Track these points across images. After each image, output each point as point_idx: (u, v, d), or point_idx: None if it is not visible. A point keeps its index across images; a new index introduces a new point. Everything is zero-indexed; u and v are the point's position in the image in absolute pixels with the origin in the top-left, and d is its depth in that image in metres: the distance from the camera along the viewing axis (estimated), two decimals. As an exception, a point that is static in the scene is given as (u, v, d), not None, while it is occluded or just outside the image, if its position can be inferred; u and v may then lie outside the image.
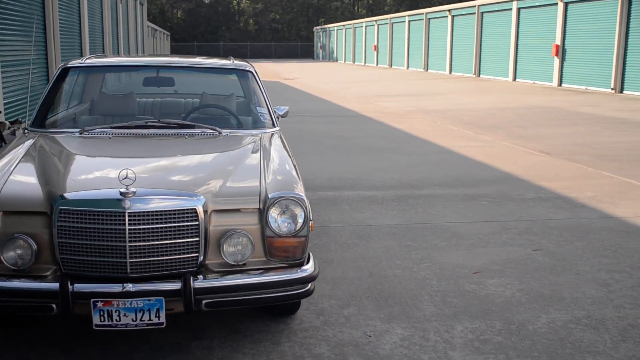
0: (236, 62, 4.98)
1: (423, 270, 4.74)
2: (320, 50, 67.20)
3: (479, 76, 31.69)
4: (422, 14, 38.74)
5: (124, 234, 2.99)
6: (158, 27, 50.94)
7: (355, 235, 5.55)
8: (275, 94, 20.87)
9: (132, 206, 2.98)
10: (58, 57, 14.21)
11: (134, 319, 3.03)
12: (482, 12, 31.21)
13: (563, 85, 24.33)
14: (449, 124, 13.68)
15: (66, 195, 3.05)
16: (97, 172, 3.53)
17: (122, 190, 3.02)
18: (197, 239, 3.11)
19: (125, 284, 3.00)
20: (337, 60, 59.82)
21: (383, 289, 4.36)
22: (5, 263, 3.03)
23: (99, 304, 2.98)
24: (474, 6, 31.54)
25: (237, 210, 3.23)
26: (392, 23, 44.72)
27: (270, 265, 3.28)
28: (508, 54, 28.42)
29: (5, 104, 10.77)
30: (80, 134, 4.14)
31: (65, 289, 2.93)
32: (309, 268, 3.30)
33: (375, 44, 48.01)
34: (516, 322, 3.88)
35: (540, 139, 11.52)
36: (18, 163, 3.50)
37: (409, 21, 41.27)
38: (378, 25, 47.72)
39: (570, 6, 23.91)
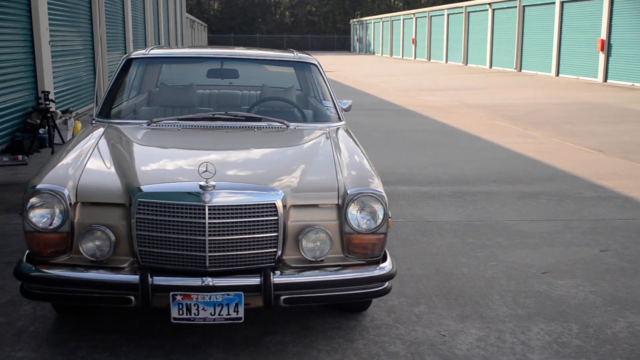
0: (299, 54, 4.91)
1: (490, 269, 4.62)
2: (357, 43, 66.88)
3: (520, 71, 31.16)
4: (462, 7, 38.20)
5: (204, 227, 2.94)
6: (196, 19, 51.22)
7: (416, 232, 5.45)
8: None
9: (212, 200, 2.94)
10: (104, 48, 14.33)
11: (213, 313, 2.99)
12: (524, 6, 30.64)
13: (608, 81, 23.76)
14: (496, 119, 13.44)
15: (145, 187, 3.02)
16: (174, 164, 3.49)
17: (202, 183, 2.97)
18: (275, 234, 3.05)
19: (204, 278, 2.96)
20: (374, 53, 59.48)
21: (452, 287, 4.26)
22: (84, 254, 3.01)
23: (178, 297, 2.95)
24: (515, 0, 30.99)
25: (315, 206, 3.16)
26: (431, 16, 44.23)
27: (347, 262, 3.21)
28: (551, 48, 27.87)
29: (55, 93, 10.89)
30: (148, 125, 4.11)
31: (146, 281, 2.91)
32: (387, 266, 3.23)
33: (414, 37, 47.56)
34: (593, 325, 3.75)
35: (592, 136, 11.24)
36: (91, 154, 3.48)
37: (448, 14, 40.76)
38: (416, 18, 47.26)
39: (616, 0, 23.32)
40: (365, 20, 63.13)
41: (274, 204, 3.03)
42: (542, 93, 19.93)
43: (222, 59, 4.89)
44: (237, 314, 3.01)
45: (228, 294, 2.97)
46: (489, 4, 34.09)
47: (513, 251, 5.03)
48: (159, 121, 4.12)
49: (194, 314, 2.98)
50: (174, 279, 2.96)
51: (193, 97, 4.85)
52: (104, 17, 14.23)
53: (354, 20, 69.04)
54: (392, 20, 53.50)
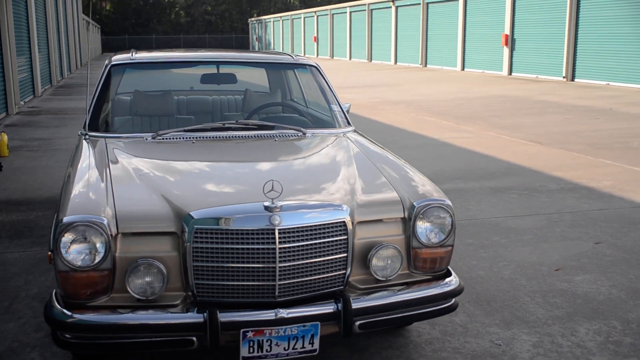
0: (297, 56, 4.61)
1: (504, 269, 4.53)
2: (257, 43, 66.36)
3: (425, 66, 31.91)
4: (365, 4, 38.68)
5: (274, 253, 2.63)
6: (91, 20, 49.04)
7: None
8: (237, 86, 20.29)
9: (282, 222, 2.62)
10: (14, 53, 13.30)
11: (286, 348, 2.68)
12: (428, 3, 31.40)
13: (513, 74, 24.73)
14: (424, 115, 13.59)
15: (201, 212, 2.64)
16: (224, 183, 3.11)
17: (267, 204, 2.65)
18: (345, 254, 2.78)
19: (277, 310, 2.64)
20: (274, 52, 59.21)
21: (478, 292, 4.13)
22: (132, 293, 2.62)
23: (249, 334, 2.62)
24: (419, -4, 31.73)
25: (380, 221, 2.91)
26: (333, 14, 44.53)
27: (412, 279, 2.98)
28: (456, 44, 28.69)
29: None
30: (154, 138, 3.70)
31: (215, 319, 2.55)
32: (454, 280, 3.03)
33: (315, 35, 47.72)
34: (634, 320, 3.72)
35: (522, 128, 11.54)
36: (111, 176, 3.04)
37: (351, 12, 41.18)
38: (318, 16, 47.44)
39: (518, -4, 24.33)
40: (265, 19, 62.76)
41: (344, 221, 2.76)
42: (455, 87, 20.42)
43: (218, 63, 4.52)
44: (312, 346, 2.72)
45: (304, 326, 2.67)
46: (392, 0, 34.68)
47: (515, 249, 4.97)
48: (164, 134, 3.72)
49: (266, 350, 2.66)
50: (244, 314, 2.62)
51: (194, 106, 4.52)
52: (12, 20, 13.20)
53: (253, 19, 68.47)
54: (293, 19, 53.46)
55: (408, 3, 33.26)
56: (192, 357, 3.21)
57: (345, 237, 2.76)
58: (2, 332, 3.53)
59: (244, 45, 69.77)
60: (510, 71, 24.83)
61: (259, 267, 2.63)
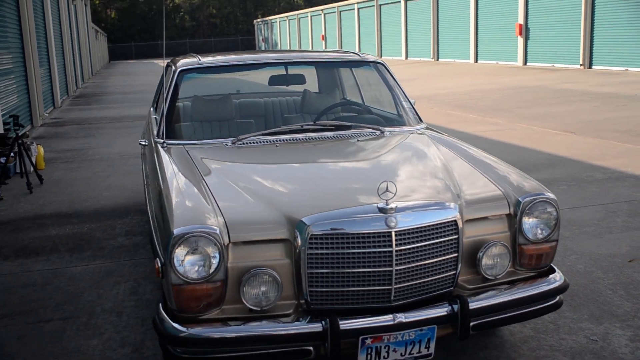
0: (364, 54, 4.56)
1: (577, 262, 4.47)
2: (263, 43, 66.34)
3: (437, 60, 31.79)
4: (373, 0, 38.58)
5: (391, 256, 2.58)
6: (99, 29, 49.16)
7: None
8: (245, 87, 20.26)
9: (398, 224, 2.57)
10: (37, 64, 13.30)
11: (403, 354, 2.64)
12: (437, -4, 31.29)
13: (528, 64, 24.58)
14: (447, 109, 13.51)
15: (314, 217, 2.59)
16: (330, 187, 3.04)
17: (381, 205, 2.60)
18: (456, 254, 2.74)
19: (395, 315, 2.59)
20: (281, 53, 59.12)
21: (558, 287, 4.06)
22: (247, 303, 2.57)
23: (368, 341, 2.57)
24: (428, -10, 31.60)
25: (486, 219, 2.86)
26: (341, 11, 44.43)
27: (516, 277, 2.93)
28: (468, 35, 28.55)
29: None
30: (234, 143, 3.66)
31: (336, 328, 2.50)
32: (559, 276, 2.97)
33: (323, 33, 47.65)
34: None
35: (551, 118, 11.45)
36: (208, 185, 2.99)
37: (359, 8, 41.07)
38: (325, 14, 47.36)
39: (530, -15, 24.16)
40: (270, 20, 62.71)
41: (455, 220, 2.71)
42: (471, 80, 20.31)
43: (287, 64, 4.47)
44: (428, 350, 2.67)
45: (421, 330, 2.62)
46: (401, -4, 34.56)
47: (581, 242, 4.91)
48: (244, 138, 3.68)
49: (383, 357, 2.61)
50: (363, 321, 2.57)
51: (257, 109, 4.51)
52: (34, 31, 13.20)
53: (258, 20, 68.44)
54: (299, 18, 53.39)
55: (417, -3, 33.14)
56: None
57: (457, 236, 2.71)
58: (87, 348, 3.49)
59: (250, 47, 69.76)
60: (525, 61, 24.69)
61: (375, 272, 2.59)
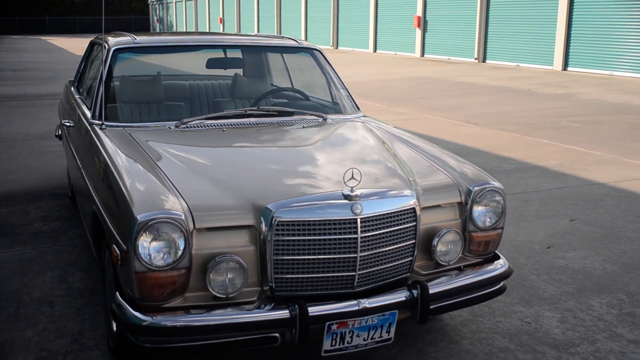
0: (300, 41, 4.55)
1: (500, 249, 4.69)
2: (158, 24, 64.44)
3: (337, 48, 32.14)
4: (273, -15, 38.43)
5: (356, 243, 2.62)
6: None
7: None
8: (146, 68, 19.66)
9: (363, 211, 2.61)
10: None
11: (365, 338, 2.69)
12: (338, -15, 31.58)
13: (425, 55, 25.37)
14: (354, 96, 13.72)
15: (281, 203, 2.58)
16: (291, 173, 3.03)
17: (345, 192, 2.63)
18: (414, 241, 2.82)
19: (360, 301, 2.64)
20: (177, 34, 57.67)
21: (487, 272, 4.26)
22: (212, 291, 2.53)
23: (334, 327, 2.60)
24: (329, -22, 31.83)
25: (438, 206, 2.96)
26: (239, -5, 43.94)
27: (466, 262, 3.05)
28: (368, 25, 29.06)
29: None
30: (177, 127, 3.56)
31: (305, 313, 2.51)
32: (504, 262, 3.12)
33: (221, 16, 46.92)
34: (636, 292, 3.97)
35: (454, 109, 11.91)
36: (161, 169, 2.90)
37: (258, -7, 40.79)
38: (223, -3, 46.67)
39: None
40: (167, 1, 60.96)
41: (414, 208, 2.79)
42: (372, 69, 20.74)
43: (225, 47, 4.38)
44: (389, 335, 2.74)
45: (383, 315, 2.68)
46: (301, -18, 34.60)
47: (501, 229, 5.16)
48: (188, 122, 3.60)
49: (347, 342, 2.66)
50: (329, 307, 2.60)
51: (188, 92, 4.39)
52: None
53: (154, 0, 66.35)
54: (197, 0, 52.27)
55: (318, -15, 33.31)
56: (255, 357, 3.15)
57: (415, 223, 2.79)
58: (22, 340, 3.31)
59: (143, 28, 67.57)
60: (423, 53, 25.46)
61: (340, 258, 2.62)
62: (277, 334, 2.56)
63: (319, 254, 2.60)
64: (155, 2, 64.92)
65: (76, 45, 38.97)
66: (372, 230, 2.65)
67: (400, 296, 2.72)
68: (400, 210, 2.74)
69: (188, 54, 4.43)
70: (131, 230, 2.43)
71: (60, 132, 5.97)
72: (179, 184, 2.73)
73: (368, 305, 2.64)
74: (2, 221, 5.22)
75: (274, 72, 5.07)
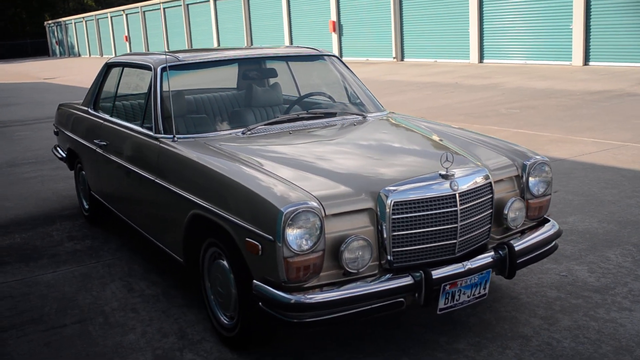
0: (317, 48, 4.94)
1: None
2: (57, 46, 62.42)
3: (253, 57, 32.40)
4: (180, 0, 38.25)
5: (456, 215, 3.06)
6: None
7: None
8: (65, 94, 19.34)
9: (459, 187, 3.07)
10: None
11: (469, 295, 3.14)
12: (248, -5, 31.94)
13: (344, 58, 26.11)
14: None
15: (395, 186, 3.00)
16: (385, 161, 3.42)
17: (443, 172, 3.08)
18: (491, 210, 3.29)
19: (464, 263, 3.08)
20: (79, 55, 56.15)
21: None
22: (346, 267, 2.90)
23: (447, 287, 3.03)
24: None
25: (501, 180, 3.44)
26: (144, 12, 43.37)
27: (526, 226, 3.56)
28: (282, 33, 29.54)
29: None
30: (243, 133, 3.89)
31: (430, 278, 2.94)
32: (554, 223, 3.65)
33: (127, 34, 46.16)
34: (638, 243, 4.61)
35: (397, 106, 12.38)
36: (262, 167, 3.24)
37: (164, 8, 40.45)
38: (127, 14, 45.88)
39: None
40: (64, 21, 59.12)
41: (491, 182, 3.27)
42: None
43: (259, 60, 4.72)
44: (485, 290, 3.20)
45: (481, 274, 3.14)
46: (210, -5, 34.68)
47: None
48: (253, 128, 3.94)
49: (456, 300, 3.09)
50: (444, 270, 3.02)
51: (236, 102, 4.69)
52: None
53: (49, 21, 64.18)
54: (98, 19, 51.11)
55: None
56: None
57: (492, 195, 3.27)
58: (129, 343, 3.54)
59: (42, 50, 65.28)
60: (341, 55, 26.19)
61: (445, 229, 3.05)
62: (402, 299, 2.97)
63: (428, 226, 3.03)
64: (52, 24, 62.84)
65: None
66: (467, 202, 3.11)
67: (493, 256, 3.20)
68: (483, 185, 3.21)
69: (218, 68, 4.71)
70: (278, 222, 2.77)
71: (64, 155, 6.10)
72: (294, 179, 3.08)
73: (471, 266, 3.09)
74: (30, 245, 5.32)
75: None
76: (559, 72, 16.53)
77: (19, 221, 6.04)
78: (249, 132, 3.91)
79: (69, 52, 59.14)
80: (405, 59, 23.35)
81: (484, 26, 20.09)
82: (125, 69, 4.99)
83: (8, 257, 5.05)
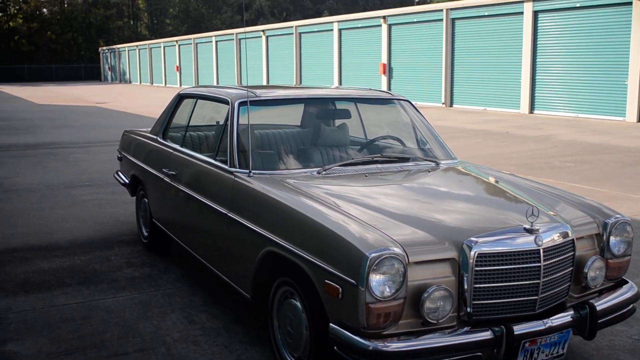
0: (390, 92, 4.97)
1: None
2: (109, 72, 64.20)
3: (301, 94, 32.75)
4: (232, 34, 39.09)
5: (539, 270, 3.00)
6: None
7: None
8: (117, 119, 19.82)
9: (544, 243, 3.00)
10: None
11: (547, 354, 3.05)
12: (300, 33, 32.44)
13: (392, 100, 26.19)
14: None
15: (479, 237, 2.95)
16: (471, 212, 3.38)
17: (527, 227, 3.02)
18: (572, 268, 3.21)
19: (545, 321, 3.00)
20: (130, 82, 57.63)
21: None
22: (426, 317, 2.85)
23: (527, 345, 2.95)
24: (292, 27, 32.67)
25: (582, 238, 3.36)
26: (197, 43, 44.39)
27: (604, 286, 3.46)
28: (332, 72, 29.87)
29: None
30: (319, 173, 3.90)
31: (511, 334, 2.87)
32: (633, 284, 3.54)
33: (178, 64, 47.23)
34: None
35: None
36: (342, 210, 3.22)
37: (217, 41, 41.35)
38: (179, 45, 47.02)
39: (393, 27, 25.95)
40: (118, 48, 60.94)
41: (573, 239, 3.19)
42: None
43: (334, 99, 4.76)
44: (563, 350, 3.11)
45: (561, 333, 3.05)
46: (263, 30, 35.38)
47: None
48: (329, 168, 3.94)
49: (534, 358, 3.00)
50: (525, 327, 2.95)
51: (310, 139, 4.67)
52: None
53: (104, 47, 66.19)
54: (151, 48, 52.49)
55: (280, 33, 34.11)
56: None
57: (573, 252, 3.19)
58: (191, 375, 3.52)
59: (94, 75, 67.18)
60: (389, 98, 26.27)
61: (527, 284, 2.98)
62: (480, 353, 2.89)
63: (510, 280, 2.96)
64: (107, 50, 64.79)
65: (32, 93, 38.60)
66: (550, 259, 3.04)
67: (573, 315, 3.11)
68: (567, 242, 3.14)
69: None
70: (362, 266, 2.74)
71: (127, 181, 6.18)
72: (375, 224, 3.05)
73: (552, 324, 3.01)
74: (90, 268, 5.37)
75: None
76: (612, 127, 16.31)
77: (78, 243, 6.12)
78: (324, 172, 3.91)
79: (121, 78, 60.73)
80: (454, 105, 23.32)
81: (537, 77, 20.00)
82: (199, 101, 5.07)
83: (69, 279, 5.11)
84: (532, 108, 20.17)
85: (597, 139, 14.26)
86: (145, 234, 5.84)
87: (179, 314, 4.38)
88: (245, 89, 4.46)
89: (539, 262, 2.99)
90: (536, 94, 20.06)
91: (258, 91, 4.46)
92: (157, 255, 5.71)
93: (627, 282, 3.57)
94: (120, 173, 6.59)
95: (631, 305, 3.49)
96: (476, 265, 2.91)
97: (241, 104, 4.26)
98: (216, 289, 4.79)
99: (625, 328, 4.15)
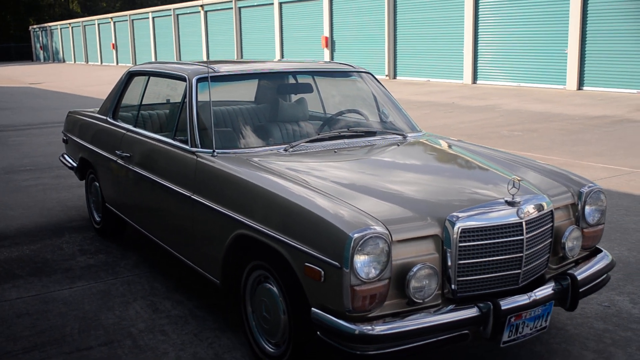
0: (350, 64, 4.82)
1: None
2: (41, 51, 61.76)
3: (243, 70, 32.26)
4: (170, 9, 38.06)
5: (522, 243, 2.93)
6: None
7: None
8: (56, 100, 19.09)
9: (525, 215, 2.94)
10: None
11: (531, 328, 3.00)
12: (240, 7, 31.83)
13: (336, 74, 26.05)
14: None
15: (462, 212, 2.85)
16: (448, 187, 3.27)
17: (508, 199, 2.95)
18: (551, 239, 3.17)
19: (529, 294, 2.95)
20: (64, 61, 55.56)
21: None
22: (412, 297, 2.75)
23: (512, 319, 2.89)
24: (231, 1, 32.01)
25: (558, 208, 3.32)
26: (133, 20, 43.08)
27: (580, 256, 3.44)
28: (273, 46, 29.46)
29: None
30: (286, 150, 3.74)
31: (498, 309, 2.79)
32: (607, 253, 3.53)
33: (114, 42, 45.79)
34: None
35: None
36: (316, 188, 3.06)
37: (154, 17, 40.22)
38: (115, 22, 45.54)
39: (335, 0, 25.71)
40: (50, 27, 58.56)
41: (552, 210, 3.14)
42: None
43: (295, 73, 4.57)
44: (546, 323, 3.06)
45: (544, 305, 3.00)
46: (201, 5, 34.56)
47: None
48: (296, 145, 3.78)
49: (519, 332, 2.95)
50: (511, 301, 2.88)
51: (271, 115, 4.49)
52: None
53: (34, 26, 63.52)
54: (85, 26, 50.67)
55: (219, 8, 33.39)
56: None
57: (552, 223, 3.15)
58: (162, 367, 3.35)
59: (25, 54, 64.55)
60: (333, 72, 26.11)
61: (510, 258, 2.92)
62: (467, 331, 2.82)
63: (494, 255, 2.89)
64: (37, 29, 62.21)
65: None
66: (532, 231, 2.98)
67: (555, 287, 3.07)
68: (546, 213, 3.09)
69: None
70: (346, 247, 2.61)
71: (74, 164, 5.88)
72: (355, 202, 2.92)
73: (537, 298, 2.96)
74: (41, 257, 5.09)
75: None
76: (554, 95, 16.61)
77: (26, 232, 5.80)
78: (291, 149, 3.75)
79: (54, 57, 58.53)
80: (397, 77, 23.36)
81: (478, 47, 20.17)
82: (152, 78, 4.81)
83: (19, 270, 4.83)
84: (475, 78, 20.36)
85: (541, 107, 14.48)
86: (98, 219, 5.58)
87: (141, 303, 4.18)
88: (202, 64, 4.24)
89: (522, 234, 2.93)
90: (479, 64, 20.24)
91: (216, 66, 4.24)
92: (111, 240, 5.46)
93: (601, 251, 3.55)
94: (66, 156, 6.27)
95: (606, 274, 3.49)
96: (460, 241, 2.82)
97: (199, 80, 4.04)
98: (178, 274, 4.61)
99: (595, 295, 4.16)
